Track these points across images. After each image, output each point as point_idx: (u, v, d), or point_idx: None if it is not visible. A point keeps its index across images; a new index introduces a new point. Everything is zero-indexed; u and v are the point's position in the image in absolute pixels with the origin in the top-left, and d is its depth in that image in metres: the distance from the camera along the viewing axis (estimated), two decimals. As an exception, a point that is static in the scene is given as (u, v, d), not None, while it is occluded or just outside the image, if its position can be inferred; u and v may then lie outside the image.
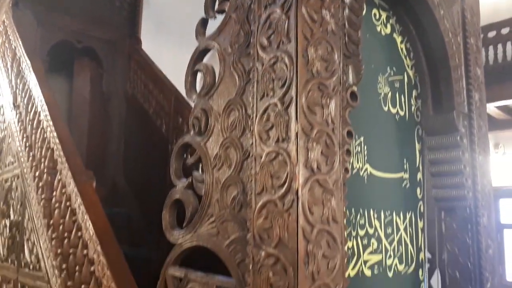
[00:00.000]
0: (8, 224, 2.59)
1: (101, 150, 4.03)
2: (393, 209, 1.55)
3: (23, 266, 2.27)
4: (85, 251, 1.71)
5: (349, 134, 1.08)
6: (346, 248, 1.02)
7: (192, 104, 1.34)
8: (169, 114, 3.56)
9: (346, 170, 1.05)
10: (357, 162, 1.41)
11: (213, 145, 1.21)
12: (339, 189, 1.01)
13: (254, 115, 1.05)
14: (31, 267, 2.16)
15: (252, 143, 1.05)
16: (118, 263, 1.57)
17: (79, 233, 1.77)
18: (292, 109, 0.95)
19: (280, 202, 0.96)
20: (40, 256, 2.06)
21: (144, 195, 3.58)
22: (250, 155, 1.06)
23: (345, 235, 1.01)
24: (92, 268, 1.65)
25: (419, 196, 1.70)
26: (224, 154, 1.16)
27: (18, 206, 2.46)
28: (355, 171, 1.40)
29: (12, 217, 2.54)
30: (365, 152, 1.45)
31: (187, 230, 1.24)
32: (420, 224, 1.69)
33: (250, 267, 0.99)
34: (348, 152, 1.07)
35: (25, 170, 2.42)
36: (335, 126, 1.02)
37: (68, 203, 1.90)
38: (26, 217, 2.31)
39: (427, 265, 1.72)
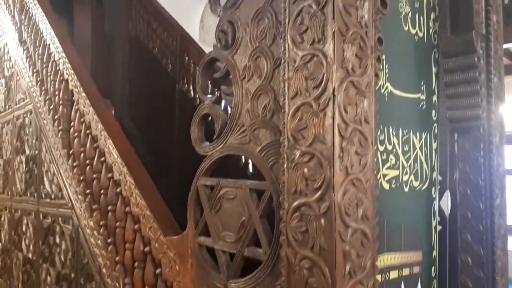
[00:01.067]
0: (24, 160, 2.64)
1: (105, 93, 4.01)
2: (410, 129, 1.59)
3: (43, 197, 2.34)
4: (109, 174, 1.76)
5: (380, 40, 1.09)
6: (375, 149, 1.06)
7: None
8: (174, 53, 3.53)
9: (377, 75, 1.08)
10: (379, 80, 1.44)
11: (241, 57, 1.22)
12: (371, 92, 1.04)
13: (287, 19, 1.05)
14: (52, 196, 2.23)
15: (285, 49, 1.07)
16: (145, 182, 1.63)
17: (102, 159, 1.82)
18: (328, 9, 0.96)
19: (315, 103, 0.99)
20: (62, 185, 2.12)
21: (152, 137, 3.61)
22: (282, 61, 1.08)
23: (375, 136, 1.06)
24: (118, 189, 1.71)
25: (434, 118, 1.74)
26: (253, 64, 1.18)
27: (34, 141, 2.50)
28: (376, 88, 1.42)
29: (27, 152, 2.58)
30: (386, 71, 1.47)
31: (217, 142, 1.28)
32: (434, 145, 1.74)
33: (285, 166, 1.03)
34: (379, 59, 1.09)
35: (38, 105, 2.44)
36: (368, 30, 1.03)
37: (88, 131, 1.93)
38: (44, 150, 2.35)
39: (438, 186, 1.79)
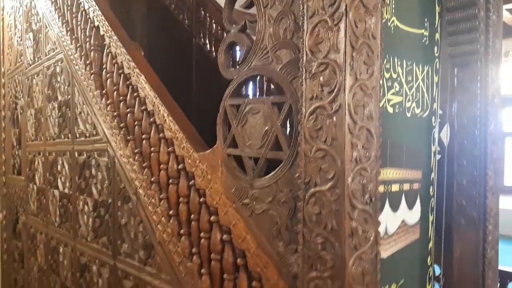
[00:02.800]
0: (56, 106, 2.86)
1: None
2: (413, 60, 1.76)
3: (77, 136, 2.57)
4: (143, 107, 1.97)
5: (386, -31, 1.26)
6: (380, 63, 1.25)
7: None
8: (191, 9, 3.67)
9: (383, -1, 1.25)
10: (386, 14, 1.60)
11: (264, -13, 1.39)
12: (377, 12, 1.22)
13: (306, -51, 1.22)
14: (87, 134, 2.46)
15: (303, -24, 1.24)
16: (175, 110, 1.84)
17: (135, 94, 2.03)
18: None
19: (330, 19, 1.17)
20: (96, 123, 2.34)
21: (170, 89, 3.81)
22: (301, -13, 1.26)
23: (381, 51, 1.24)
24: (151, 119, 1.92)
25: (436, 54, 1.91)
26: (275, -8, 1.36)
27: (66, 87, 2.71)
28: (383, 21, 1.59)
29: (59, 98, 2.80)
30: (393, 6, 1.63)
31: (243, 66, 1.47)
32: (436, 79, 1.92)
33: (303, 78, 1.23)
34: (384, -15, 1.26)
35: (69, 53, 2.63)
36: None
37: (120, 71, 2.13)
38: (76, 94, 2.57)
39: (438, 119, 1.98)
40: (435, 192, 1.97)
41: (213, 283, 1.62)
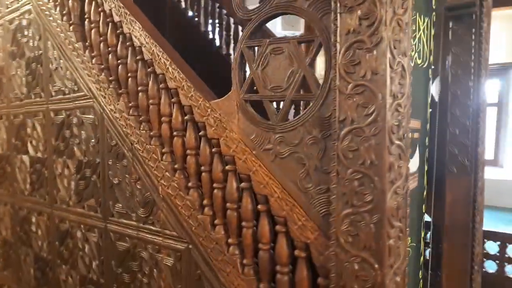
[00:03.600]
0: (23, 63, 2.63)
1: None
2: (416, 11, 1.79)
3: (53, 94, 2.38)
4: (138, 57, 1.85)
5: None
6: None
7: None
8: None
9: None
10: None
11: None
12: None
13: None
14: (66, 92, 2.28)
15: None
16: (177, 58, 1.74)
17: (128, 43, 1.89)
18: None
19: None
20: (78, 78, 2.18)
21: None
22: None
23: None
24: (149, 69, 1.81)
25: (434, 7, 1.95)
26: None
27: (36, 42, 2.48)
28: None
29: (28, 54, 2.57)
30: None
31: (263, 4, 1.41)
32: (432, 31, 1.96)
33: (337, 11, 1.19)
34: None
35: (39, 3, 2.41)
36: None
37: (108, 19, 1.98)
38: (50, 48, 2.36)
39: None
40: (429, 142, 2.05)
41: (228, 232, 1.59)
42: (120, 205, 1.99)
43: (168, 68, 1.71)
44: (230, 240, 1.57)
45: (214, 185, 1.60)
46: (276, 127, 1.40)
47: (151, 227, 1.84)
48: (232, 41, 2.89)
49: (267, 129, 1.42)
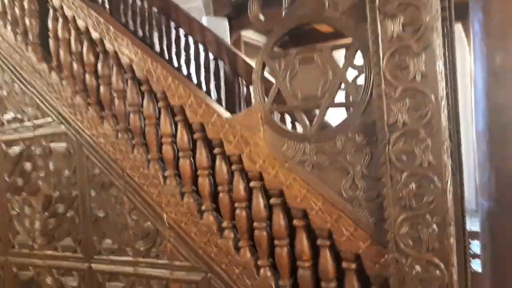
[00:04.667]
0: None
1: None
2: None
3: (5, 123, 2.06)
4: (127, 74, 1.69)
5: None
6: None
7: None
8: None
9: None
10: None
11: None
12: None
13: None
14: (24, 119, 1.99)
15: None
16: (176, 74, 1.63)
17: (111, 61, 1.72)
18: None
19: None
20: (42, 103, 1.91)
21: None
22: None
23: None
24: (144, 88, 1.66)
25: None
26: None
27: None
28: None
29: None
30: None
31: (287, 14, 1.39)
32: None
33: (377, 19, 1.21)
34: None
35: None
36: None
37: (82, 36, 1.79)
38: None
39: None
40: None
41: (255, 255, 1.48)
42: (109, 240, 1.76)
43: (170, 84, 1.58)
44: (260, 262, 1.47)
45: (236, 204, 1.49)
46: (312, 137, 1.36)
47: (155, 261, 1.65)
48: (192, 60, 2.78)
49: (301, 140, 1.38)
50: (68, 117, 1.84)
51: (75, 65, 1.82)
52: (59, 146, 1.88)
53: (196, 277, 1.56)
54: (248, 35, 5.15)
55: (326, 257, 1.35)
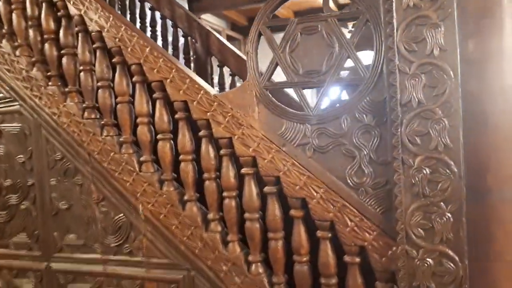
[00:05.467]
0: None
1: None
2: None
3: None
4: (97, 44, 1.47)
5: None
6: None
7: None
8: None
9: None
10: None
11: None
12: None
13: None
14: None
15: None
16: (149, 40, 1.43)
17: (77, 28, 1.49)
18: None
19: None
20: (-11, 75, 1.64)
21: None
22: None
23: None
24: (115, 59, 1.45)
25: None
26: None
27: None
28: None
29: None
30: None
31: (286, -20, 1.23)
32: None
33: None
34: None
35: None
36: None
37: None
38: None
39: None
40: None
41: (245, 249, 1.33)
42: (73, 235, 1.54)
43: (147, 56, 1.38)
44: (251, 258, 1.31)
45: (225, 194, 1.33)
46: (313, 117, 1.22)
47: (128, 258, 1.46)
48: (159, 38, 2.55)
49: (301, 120, 1.23)
50: (23, 92, 1.59)
51: (31, 32, 1.57)
52: (13, 126, 1.62)
53: (177, 276, 1.38)
54: (208, 18, 4.96)
55: (327, 251, 1.21)
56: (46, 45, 1.54)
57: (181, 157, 1.38)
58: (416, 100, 1.07)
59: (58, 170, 1.55)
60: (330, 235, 1.21)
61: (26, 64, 1.58)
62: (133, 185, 1.43)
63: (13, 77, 1.60)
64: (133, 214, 1.44)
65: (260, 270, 1.31)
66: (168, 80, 1.36)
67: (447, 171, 1.05)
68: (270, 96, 1.26)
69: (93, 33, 1.46)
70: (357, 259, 1.19)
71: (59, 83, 1.55)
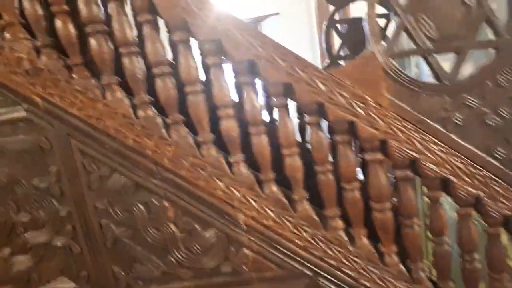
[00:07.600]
0: None
1: None
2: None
3: None
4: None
5: None
6: None
7: None
8: None
9: None
10: None
11: None
12: None
13: None
14: None
15: None
16: None
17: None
18: None
19: None
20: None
21: None
22: None
23: None
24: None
25: None
26: None
27: None
28: None
29: None
30: None
31: None
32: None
33: None
34: None
35: None
36: None
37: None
38: None
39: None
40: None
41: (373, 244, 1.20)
42: (144, 266, 1.22)
43: (229, 29, 1.06)
44: (384, 249, 1.19)
45: (346, 186, 1.15)
46: (452, 87, 1.09)
47: (231, 279, 1.21)
48: None
49: (439, 92, 1.09)
50: (30, 92, 1.13)
51: (27, 3, 1.09)
52: (15, 141, 1.16)
53: (298, 285, 1.20)
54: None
55: (470, 227, 1.15)
56: (58, 21, 1.09)
57: (285, 151, 1.14)
58: None
59: (107, 190, 1.17)
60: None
61: (28, 50, 1.11)
62: (225, 192, 1.16)
63: (7, 71, 1.12)
64: (228, 226, 1.18)
65: (396, 259, 1.20)
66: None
67: None
68: (398, 67, 1.09)
69: (137, 1, 1.07)
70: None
71: (87, 74, 1.13)
